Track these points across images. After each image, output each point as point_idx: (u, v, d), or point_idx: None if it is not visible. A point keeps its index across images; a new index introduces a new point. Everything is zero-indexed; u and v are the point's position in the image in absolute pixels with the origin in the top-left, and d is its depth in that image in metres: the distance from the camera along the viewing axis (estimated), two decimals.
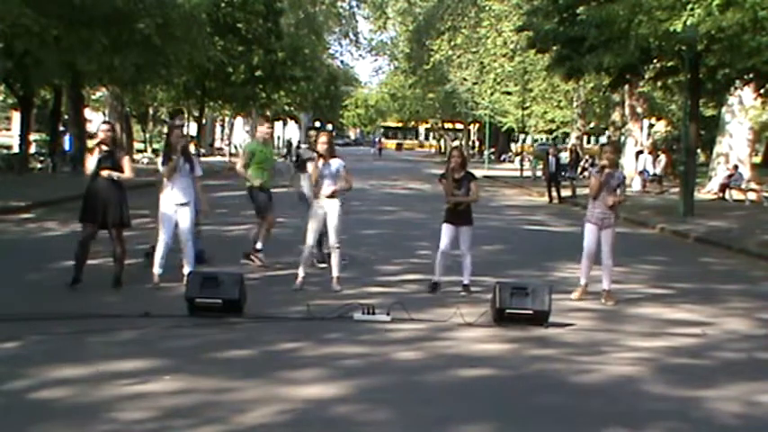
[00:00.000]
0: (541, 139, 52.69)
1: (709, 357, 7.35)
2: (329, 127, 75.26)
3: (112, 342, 7.08)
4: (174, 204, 9.58)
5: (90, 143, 19.37)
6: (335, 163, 9.69)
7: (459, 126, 77.31)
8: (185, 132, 10.08)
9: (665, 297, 10.20)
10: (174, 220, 9.59)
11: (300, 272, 9.68)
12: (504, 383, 6.34)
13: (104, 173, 9.27)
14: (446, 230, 9.83)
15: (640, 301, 9.81)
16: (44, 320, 7.64)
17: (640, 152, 33.32)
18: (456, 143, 56.25)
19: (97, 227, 9.42)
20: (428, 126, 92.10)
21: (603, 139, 46.85)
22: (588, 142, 56.79)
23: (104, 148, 9.33)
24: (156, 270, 9.50)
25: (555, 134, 52.03)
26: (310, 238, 9.69)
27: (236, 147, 53.67)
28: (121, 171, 9.41)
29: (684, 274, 12.30)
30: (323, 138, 9.82)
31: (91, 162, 9.34)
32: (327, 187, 9.62)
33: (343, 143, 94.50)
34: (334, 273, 9.68)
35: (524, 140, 48.19)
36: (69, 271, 9.37)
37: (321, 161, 9.60)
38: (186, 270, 9.23)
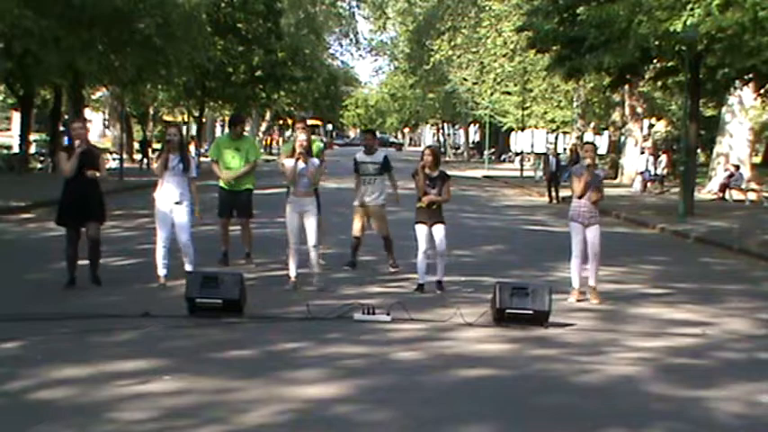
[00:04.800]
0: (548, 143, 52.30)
1: (709, 357, 7.35)
2: (330, 127, 75.35)
3: (112, 342, 7.08)
4: (166, 203, 9.56)
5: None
6: (314, 163, 9.74)
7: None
8: (177, 131, 9.99)
9: (665, 297, 10.20)
10: (169, 218, 9.57)
11: (291, 272, 9.68)
12: (505, 383, 6.34)
13: (89, 173, 9.26)
14: (420, 231, 9.82)
15: (640, 301, 9.81)
16: (44, 320, 7.64)
17: (643, 152, 33.38)
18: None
19: (79, 226, 9.40)
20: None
21: (602, 139, 46.80)
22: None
23: (83, 148, 9.29)
24: (161, 271, 9.50)
25: (556, 133, 52.00)
26: (293, 237, 9.69)
27: None
28: (98, 169, 9.43)
29: (684, 274, 12.30)
30: (302, 137, 9.83)
31: (69, 163, 9.25)
32: (305, 187, 9.67)
33: (343, 143, 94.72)
34: (314, 269, 9.70)
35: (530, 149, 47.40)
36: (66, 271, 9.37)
37: (300, 161, 9.61)
38: (188, 269, 9.22)
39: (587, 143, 10.37)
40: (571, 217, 9.74)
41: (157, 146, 45.16)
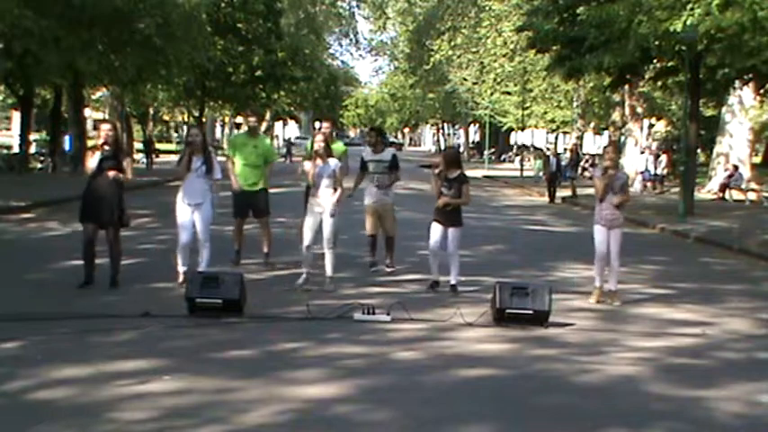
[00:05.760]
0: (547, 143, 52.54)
1: (709, 357, 7.35)
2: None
3: (112, 342, 7.08)
4: (188, 204, 9.58)
5: (91, 143, 19.34)
6: (332, 162, 9.71)
7: None
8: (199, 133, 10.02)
9: (665, 297, 10.19)
10: (190, 221, 9.59)
11: (304, 272, 9.69)
12: (505, 383, 6.34)
13: (111, 173, 9.26)
14: (434, 229, 9.86)
15: (641, 301, 9.81)
16: (44, 320, 7.64)
17: (643, 152, 33.43)
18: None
19: (98, 226, 9.42)
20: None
21: (602, 139, 46.85)
22: (594, 143, 56.78)
23: (107, 148, 9.33)
24: (181, 268, 9.51)
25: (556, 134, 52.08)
26: (308, 237, 9.69)
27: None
28: (123, 172, 9.41)
29: (684, 274, 12.30)
30: (319, 137, 9.85)
31: (92, 161, 9.31)
32: (326, 188, 9.65)
33: (344, 143, 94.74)
34: (328, 272, 9.69)
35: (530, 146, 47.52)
36: (70, 271, 9.38)
37: (319, 161, 9.61)
38: (201, 268, 9.21)
39: (607, 145, 10.34)
40: (595, 220, 9.76)
41: (160, 145, 45.37)
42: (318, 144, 9.66)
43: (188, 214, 9.60)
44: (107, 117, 40.19)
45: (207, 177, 9.63)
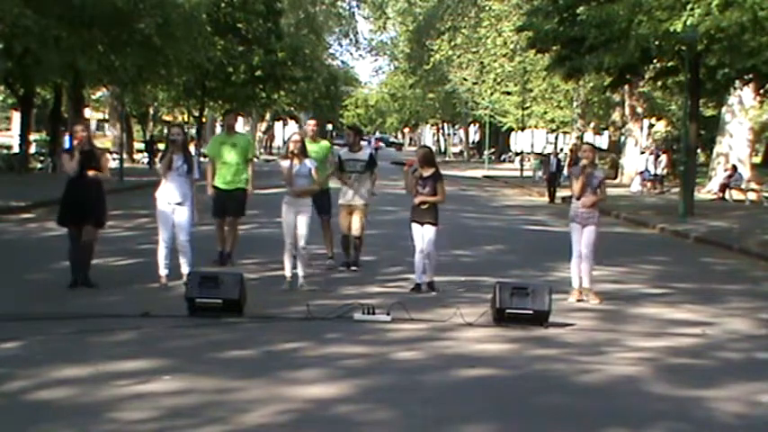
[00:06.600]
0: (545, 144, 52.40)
1: (709, 357, 7.35)
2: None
3: (112, 342, 7.08)
4: (168, 203, 9.54)
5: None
6: (309, 162, 9.74)
7: None
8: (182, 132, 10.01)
9: (665, 297, 10.20)
10: (170, 218, 9.55)
11: (287, 272, 9.67)
12: (505, 383, 6.34)
13: (91, 173, 9.23)
14: (415, 231, 9.87)
15: (641, 301, 9.81)
16: (44, 320, 7.64)
17: (644, 152, 33.47)
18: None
19: (78, 227, 9.36)
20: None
21: (602, 139, 46.85)
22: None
23: (85, 148, 9.28)
24: (162, 271, 9.49)
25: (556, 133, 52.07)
26: (287, 237, 9.66)
27: None
28: (102, 170, 9.37)
29: (685, 274, 12.30)
30: (295, 137, 9.94)
31: (72, 162, 9.24)
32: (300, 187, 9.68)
33: (344, 143, 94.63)
34: (300, 272, 9.65)
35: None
36: (69, 271, 9.37)
37: (296, 161, 9.62)
38: (184, 270, 9.20)
39: (586, 143, 10.37)
40: (571, 217, 9.79)
41: (160, 145, 45.30)
42: (294, 144, 9.70)
43: (168, 213, 9.57)
44: (108, 117, 40.21)
45: (187, 177, 9.60)
